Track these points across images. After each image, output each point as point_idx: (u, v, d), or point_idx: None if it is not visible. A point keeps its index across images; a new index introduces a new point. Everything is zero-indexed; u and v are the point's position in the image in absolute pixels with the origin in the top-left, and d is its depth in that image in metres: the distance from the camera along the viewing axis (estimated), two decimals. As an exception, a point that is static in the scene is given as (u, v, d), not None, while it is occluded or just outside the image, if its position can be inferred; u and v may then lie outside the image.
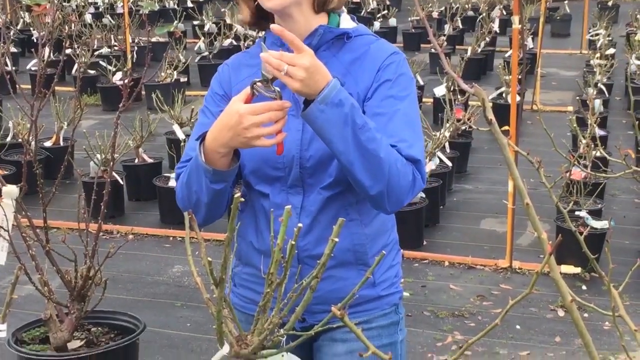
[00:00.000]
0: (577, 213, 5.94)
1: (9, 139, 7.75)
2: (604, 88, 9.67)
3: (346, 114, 2.11)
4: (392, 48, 2.41)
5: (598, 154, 6.39)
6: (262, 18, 2.44)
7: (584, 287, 5.63)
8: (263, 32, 2.50)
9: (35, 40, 12.73)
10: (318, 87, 2.09)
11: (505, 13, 14.82)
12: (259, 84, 2.12)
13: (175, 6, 15.90)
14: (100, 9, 15.44)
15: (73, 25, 12.57)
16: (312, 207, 2.34)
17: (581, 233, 1.70)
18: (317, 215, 2.34)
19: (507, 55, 11.54)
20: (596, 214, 6.12)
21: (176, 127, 7.76)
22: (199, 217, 2.35)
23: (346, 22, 2.44)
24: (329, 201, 2.33)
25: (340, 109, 2.11)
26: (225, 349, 1.92)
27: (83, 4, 15.92)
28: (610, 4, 16.29)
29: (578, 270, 5.80)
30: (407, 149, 2.25)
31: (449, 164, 7.21)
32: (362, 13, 15.18)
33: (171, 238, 6.60)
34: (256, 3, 2.40)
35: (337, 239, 1.71)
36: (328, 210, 2.34)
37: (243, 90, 2.16)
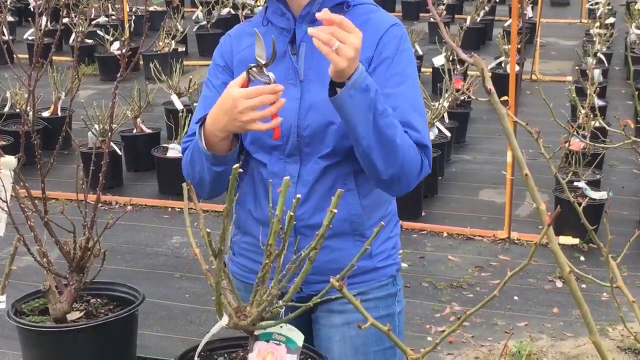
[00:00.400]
0: (575, 184, 5.94)
1: (6, 109, 7.74)
2: (603, 58, 9.63)
3: (371, 99, 2.13)
4: (393, 19, 2.40)
5: (597, 124, 6.38)
6: None
7: (582, 258, 5.64)
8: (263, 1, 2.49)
9: (32, 9, 12.63)
10: (352, 71, 2.10)
11: (504, -18, 14.74)
12: (253, 69, 2.13)
13: (173, -25, 15.79)
14: (98, -22, 15.34)
15: (70, -6, 12.49)
16: (309, 176, 2.34)
17: (580, 204, 1.69)
18: (314, 185, 2.34)
19: (506, 24, 11.49)
20: (595, 184, 6.12)
21: (174, 97, 7.74)
22: (204, 192, 2.40)
23: None
24: (326, 171, 2.34)
25: (366, 94, 2.12)
26: (225, 320, 1.92)
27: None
28: (610, -27, 16.22)
29: (576, 241, 5.81)
30: (416, 134, 2.27)
31: (448, 134, 7.20)
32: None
33: (170, 209, 6.60)
34: None
35: (335, 210, 1.71)
36: (325, 179, 2.34)
37: (240, 75, 2.16)
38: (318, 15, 2.08)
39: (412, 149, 2.23)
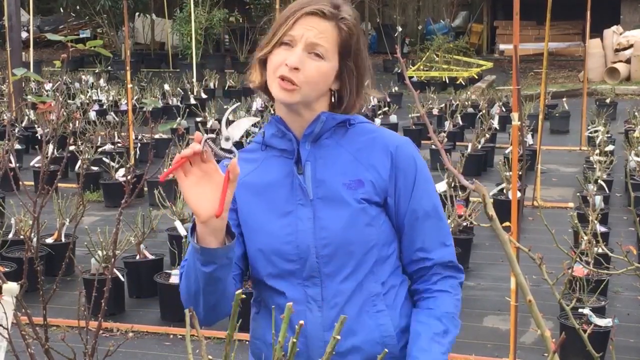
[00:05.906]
0: (580, 310, 5.89)
1: (10, 235, 7.75)
2: (604, 184, 9.70)
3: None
4: (399, 137, 2.45)
5: (600, 250, 6.37)
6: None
7: (589, 386, 5.55)
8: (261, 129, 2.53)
9: (39, 137, 12.83)
10: None
11: (504, 110, 14.98)
12: (209, 141, 2.17)
13: (179, 103, 16.09)
14: (105, 106, 15.61)
15: (77, 122, 12.69)
16: (335, 298, 2.28)
17: (585, 331, 1.68)
18: (344, 307, 2.28)
19: (507, 151, 11.62)
20: (599, 311, 6.06)
21: (178, 224, 7.77)
22: (199, 311, 2.29)
23: None
24: (354, 292, 2.29)
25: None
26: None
27: (87, 101, 16.12)
28: (608, 101, 16.47)
29: (583, 368, 5.72)
30: (450, 255, 2.37)
31: (451, 260, 7.17)
32: (363, 110, 15.34)
33: (171, 336, 6.53)
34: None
35: (338, 337, 1.68)
36: (353, 301, 2.29)
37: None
38: None
39: (452, 307, 2.36)
